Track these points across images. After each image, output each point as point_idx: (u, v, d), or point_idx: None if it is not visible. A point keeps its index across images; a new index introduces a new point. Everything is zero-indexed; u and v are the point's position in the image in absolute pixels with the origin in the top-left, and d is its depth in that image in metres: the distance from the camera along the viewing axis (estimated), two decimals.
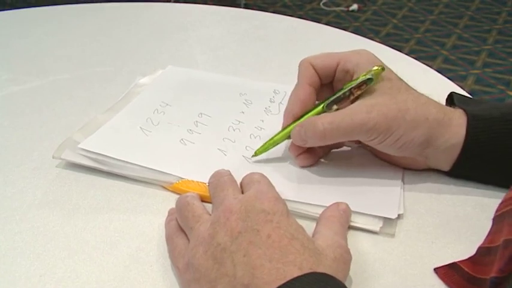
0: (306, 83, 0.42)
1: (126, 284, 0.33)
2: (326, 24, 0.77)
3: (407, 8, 2.78)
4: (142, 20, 0.77)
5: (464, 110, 0.40)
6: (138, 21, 0.76)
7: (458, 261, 0.33)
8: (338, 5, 2.79)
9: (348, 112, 0.39)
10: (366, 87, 0.39)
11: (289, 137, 0.42)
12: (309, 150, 0.42)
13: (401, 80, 0.41)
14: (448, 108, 0.41)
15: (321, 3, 2.81)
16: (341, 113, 0.39)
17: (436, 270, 0.34)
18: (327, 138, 0.39)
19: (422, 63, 0.63)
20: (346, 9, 2.73)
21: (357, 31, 2.36)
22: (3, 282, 0.33)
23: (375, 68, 0.39)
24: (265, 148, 0.43)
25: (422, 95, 0.40)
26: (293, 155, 0.43)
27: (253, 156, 0.44)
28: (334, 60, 0.42)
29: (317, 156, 0.43)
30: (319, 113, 0.41)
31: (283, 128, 0.43)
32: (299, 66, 0.43)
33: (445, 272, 0.33)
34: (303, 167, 0.43)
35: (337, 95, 0.40)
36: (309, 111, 0.42)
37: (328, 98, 0.41)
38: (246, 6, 2.72)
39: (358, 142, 0.44)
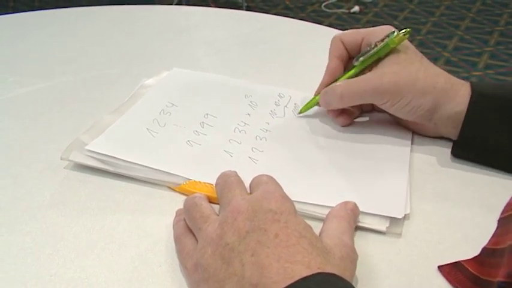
0: (335, 56, 0.48)
1: (135, 284, 0.33)
2: (328, 26, 0.77)
3: (408, 10, 2.78)
4: (146, 22, 0.78)
5: (471, 84, 0.43)
6: (142, 24, 0.77)
7: (462, 261, 0.33)
8: (340, 7, 2.80)
9: (364, 78, 0.44)
10: (387, 40, 0.43)
11: None
12: (345, 111, 0.49)
13: (417, 52, 0.45)
14: (458, 80, 0.44)
15: (322, 5, 2.82)
16: (357, 79, 0.45)
17: (440, 268, 0.34)
18: (344, 101, 0.45)
19: None
20: (347, 11, 2.74)
21: None
22: (14, 282, 0.33)
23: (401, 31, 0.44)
24: (308, 106, 0.50)
25: (434, 66, 0.44)
26: (332, 116, 0.49)
27: (299, 113, 0.51)
28: (360, 36, 0.47)
29: (352, 116, 0.49)
30: (350, 73, 0.47)
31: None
32: (331, 42, 0.49)
33: (449, 270, 0.34)
34: (343, 125, 0.49)
35: (365, 53, 0.45)
36: (342, 76, 0.48)
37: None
38: (248, 9, 2.73)
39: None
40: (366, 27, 0.48)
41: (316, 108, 0.50)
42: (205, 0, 2.88)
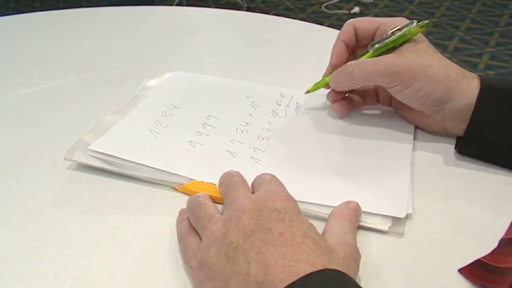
0: (341, 40, 0.48)
1: (139, 284, 0.33)
2: (328, 27, 0.77)
3: (408, 11, 2.78)
4: (148, 23, 0.78)
5: (480, 77, 0.43)
6: (144, 25, 0.77)
7: (482, 257, 0.33)
8: (340, 8, 2.80)
9: (377, 59, 0.44)
10: (406, 30, 0.44)
11: None
12: (344, 99, 0.49)
13: (431, 45, 0.45)
14: (468, 72, 0.44)
15: (322, 6, 2.82)
16: (370, 59, 0.45)
17: (461, 270, 0.34)
18: (354, 79, 0.45)
19: None
20: (348, 12, 2.74)
21: None
22: (18, 281, 0.34)
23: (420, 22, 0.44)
24: (317, 87, 0.50)
25: (447, 59, 0.44)
26: (330, 101, 0.49)
27: (306, 93, 0.51)
28: (376, 24, 0.47)
29: (351, 106, 0.49)
30: (363, 57, 0.47)
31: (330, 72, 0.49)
32: (343, 26, 0.49)
33: (469, 270, 0.33)
34: (338, 114, 0.49)
35: (382, 41, 0.45)
36: (360, 56, 0.48)
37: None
38: (248, 10, 2.73)
39: (389, 103, 0.50)
40: None
41: (318, 104, 0.52)
42: (205, 1, 2.88)
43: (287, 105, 0.52)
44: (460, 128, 0.44)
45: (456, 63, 0.45)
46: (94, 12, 0.81)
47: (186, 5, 2.63)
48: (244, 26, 0.76)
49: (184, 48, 0.69)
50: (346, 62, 0.46)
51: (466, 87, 0.43)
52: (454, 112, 0.43)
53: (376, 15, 2.71)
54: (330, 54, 0.49)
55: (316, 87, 0.50)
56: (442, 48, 2.30)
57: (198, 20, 0.79)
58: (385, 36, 0.45)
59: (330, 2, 2.85)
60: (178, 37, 0.72)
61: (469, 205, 0.40)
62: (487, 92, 0.42)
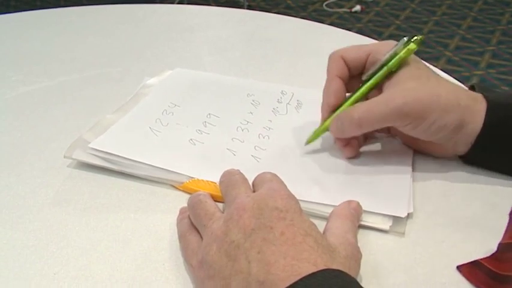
0: (336, 76, 0.43)
1: (139, 282, 0.33)
2: (329, 25, 0.77)
3: (410, 9, 2.78)
4: (149, 21, 0.78)
5: (485, 96, 0.41)
6: (145, 23, 0.77)
7: (480, 259, 0.33)
8: (341, 6, 2.79)
9: (382, 99, 0.40)
10: (396, 48, 0.39)
11: None
12: (352, 139, 0.44)
13: (428, 66, 0.42)
14: (476, 94, 0.41)
15: (323, 5, 2.82)
16: (375, 100, 0.40)
17: (460, 268, 0.34)
18: (363, 127, 0.40)
19: None
20: (349, 10, 2.73)
21: (360, 32, 2.35)
22: (18, 280, 0.33)
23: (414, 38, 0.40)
24: (317, 135, 0.45)
25: (449, 80, 0.41)
26: (340, 146, 0.44)
27: (306, 144, 0.45)
28: (365, 53, 0.43)
29: (359, 145, 0.45)
30: (359, 95, 0.42)
31: (327, 118, 0.44)
32: (329, 59, 0.44)
33: (468, 269, 0.33)
34: (349, 157, 0.44)
35: (376, 67, 0.41)
36: (351, 96, 0.43)
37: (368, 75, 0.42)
38: (249, 8, 2.73)
39: (388, 131, 0.46)
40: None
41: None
42: None
43: (288, 103, 0.52)
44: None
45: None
46: (94, 10, 0.81)
47: (187, 3, 2.63)
48: (245, 24, 0.76)
49: (184, 46, 0.69)
50: (344, 99, 0.43)
51: (478, 109, 0.40)
52: (469, 137, 0.40)
53: (377, 14, 2.70)
54: (324, 95, 0.44)
55: (317, 135, 0.45)
56: (443, 46, 2.30)
57: (199, 18, 0.79)
58: (379, 66, 0.41)
59: (331, 1, 2.85)
60: (178, 35, 0.72)
61: (469, 204, 0.40)
62: (495, 108, 0.39)
